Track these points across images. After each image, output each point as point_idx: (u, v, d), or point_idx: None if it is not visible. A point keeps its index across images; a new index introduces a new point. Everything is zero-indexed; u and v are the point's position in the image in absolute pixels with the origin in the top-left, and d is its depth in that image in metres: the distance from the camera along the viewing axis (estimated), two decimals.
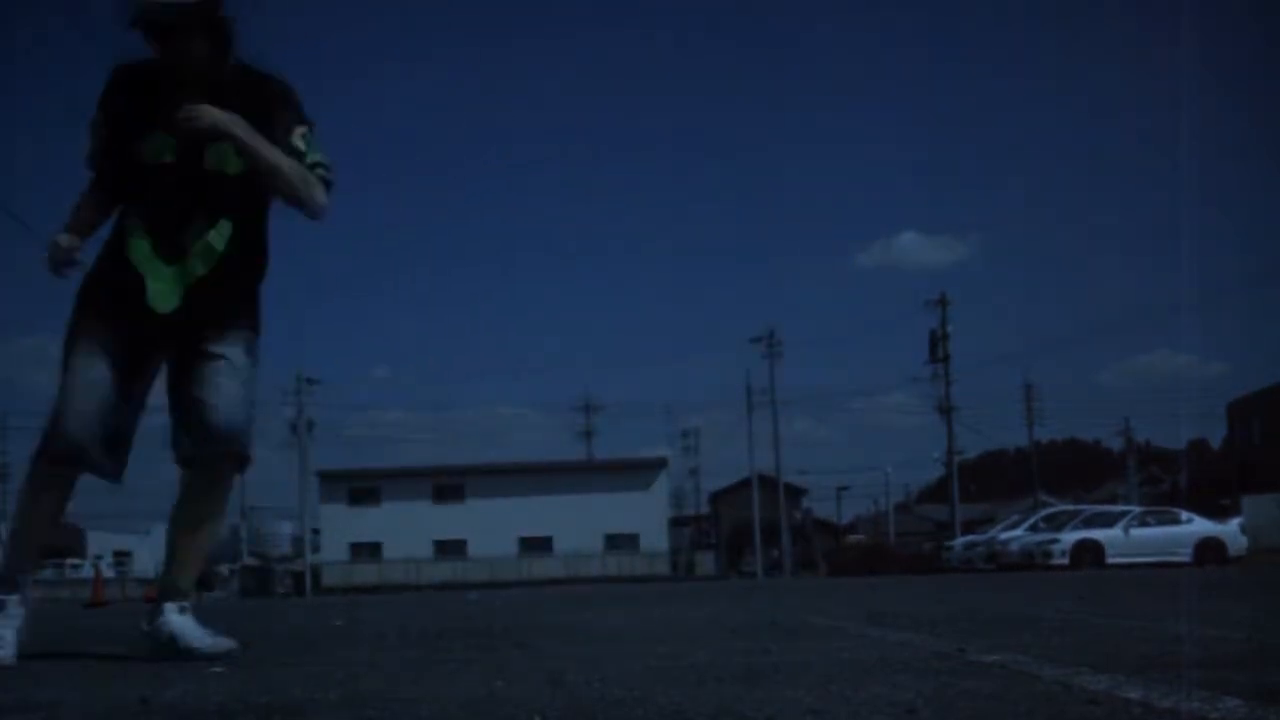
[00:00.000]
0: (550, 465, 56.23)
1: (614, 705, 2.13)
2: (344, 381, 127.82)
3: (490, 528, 52.23)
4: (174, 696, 2.41)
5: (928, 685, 2.30)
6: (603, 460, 59.57)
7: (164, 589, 3.55)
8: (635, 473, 54.35)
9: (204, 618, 3.61)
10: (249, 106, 3.32)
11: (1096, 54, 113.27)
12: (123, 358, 3.34)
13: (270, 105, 3.37)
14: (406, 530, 52.27)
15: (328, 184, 3.42)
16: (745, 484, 51.77)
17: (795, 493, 55.56)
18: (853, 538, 59.74)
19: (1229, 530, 24.79)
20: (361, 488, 54.83)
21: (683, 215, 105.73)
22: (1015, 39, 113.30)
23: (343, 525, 53.73)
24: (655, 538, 53.70)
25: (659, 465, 56.81)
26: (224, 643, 3.44)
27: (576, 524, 51.79)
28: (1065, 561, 23.23)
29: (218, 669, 3.01)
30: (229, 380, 3.37)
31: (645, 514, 53.09)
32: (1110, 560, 22.94)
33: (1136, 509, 27.92)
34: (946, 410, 47.63)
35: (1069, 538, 24.16)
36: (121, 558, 59.10)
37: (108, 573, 40.23)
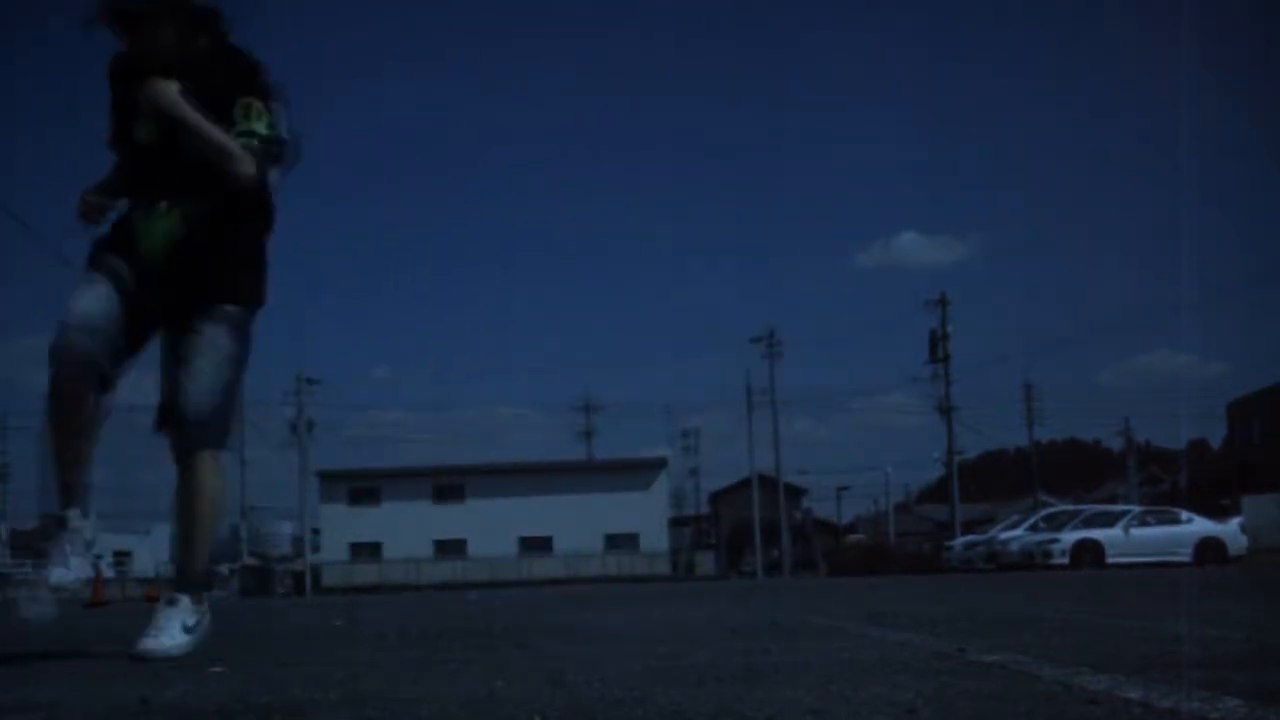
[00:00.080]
0: (550, 465, 56.23)
1: (614, 705, 2.13)
2: (344, 381, 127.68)
3: (490, 528, 52.22)
4: (174, 696, 2.41)
5: (928, 685, 2.30)
6: (603, 460, 59.57)
7: (176, 576, 3.63)
8: (635, 473, 54.35)
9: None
10: (219, 88, 3.38)
11: (1096, 54, 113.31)
12: (125, 288, 3.41)
13: (234, 84, 3.42)
14: (406, 530, 52.27)
15: (269, 154, 3.42)
16: (745, 484, 51.77)
17: (795, 493, 55.56)
18: (853, 538, 59.74)
19: (1229, 530, 24.79)
20: (361, 488, 54.83)
21: (683, 215, 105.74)
22: (1015, 39, 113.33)
23: (343, 525, 53.72)
24: (655, 538, 53.70)
25: (659, 465, 56.82)
26: (169, 646, 3.39)
27: (576, 524, 51.79)
28: (1065, 561, 23.24)
29: (217, 669, 3.01)
30: (207, 363, 3.43)
31: (645, 514, 53.09)
32: (1110, 560, 22.94)
33: (1136, 509, 27.91)
34: (946, 410, 47.66)
35: (1069, 538, 24.17)
36: (121, 558, 59.03)
37: (108, 573, 40.19)
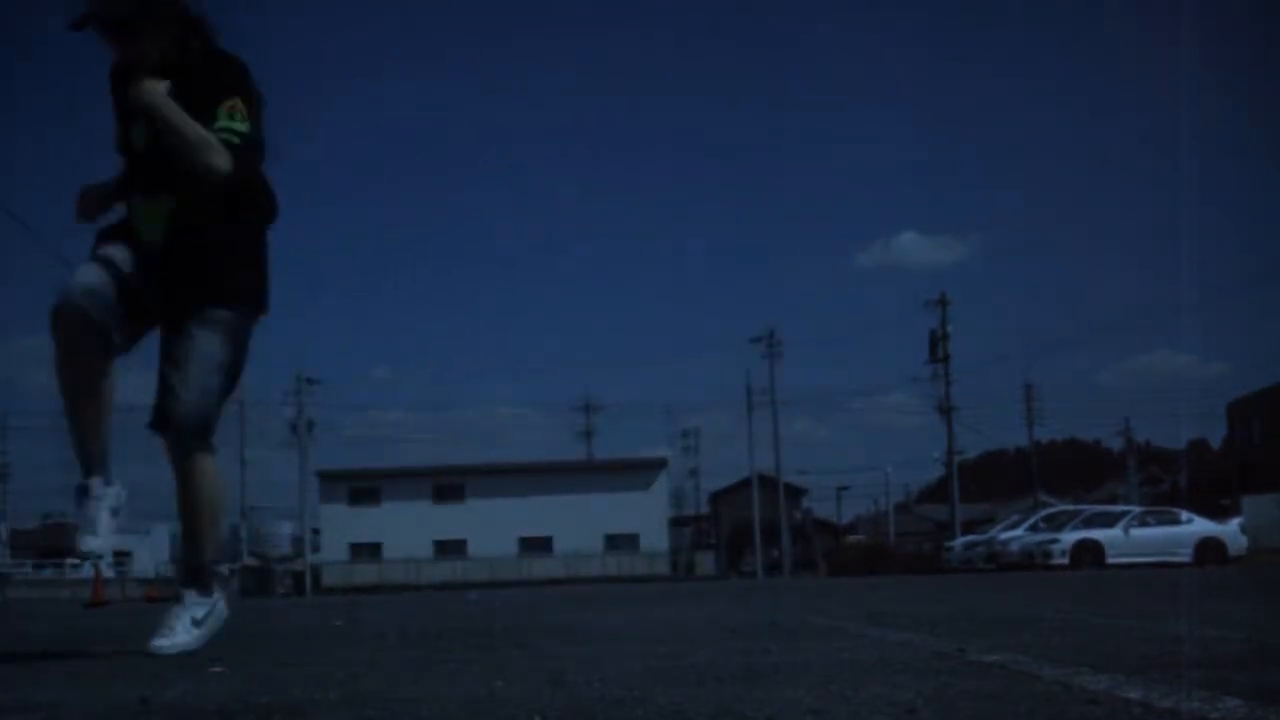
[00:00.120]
0: (550, 465, 56.24)
1: (614, 705, 2.13)
2: (344, 381, 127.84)
3: (490, 528, 52.23)
4: (174, 696, 2.41)
5: (928, 685, 2.30)
6: (603, 460, 59.57)
7: (183, 572, 3.74)
8: (635, 473, 54.36)
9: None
10: (206, 90, 3.42)
11: (1096, 54, 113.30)
12: (125, 267, 3.45)
13: (220, 86, 3.45)
14: (406, 530, 52.28)
15: (246, 152, 3.42)
16: (745, 484, 51.78)
17: (795, 493, 55.57)
18: (853, 538, 59.79)
19: (1229, 530, 24.80)
20: (361, 488, 54.85)
21: (683, 215, 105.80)
22: (1015, 39, 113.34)
23: (343, 525, 53.73)
24: (655, 538, 53.72)
25: (659, 465, 56.83)
26: (182, 643, 3.48)
27: (576, 524, 51.80)
28: (1065, 561, 23.24)
29: (217, 669, 3.01)
30: (197, 367, 3.48)
31: (645, 514, 53.10)
32: (1110, 560, 22.94)
33: (1136, 509, 27.92)
34: (946, 410, 47.66)
35: (1069, 538, 24.17)
36: (121, 558, 59.02)
37: (108, 573, 40.18)
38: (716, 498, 62.53)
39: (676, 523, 60.29)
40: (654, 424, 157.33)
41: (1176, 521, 25.04)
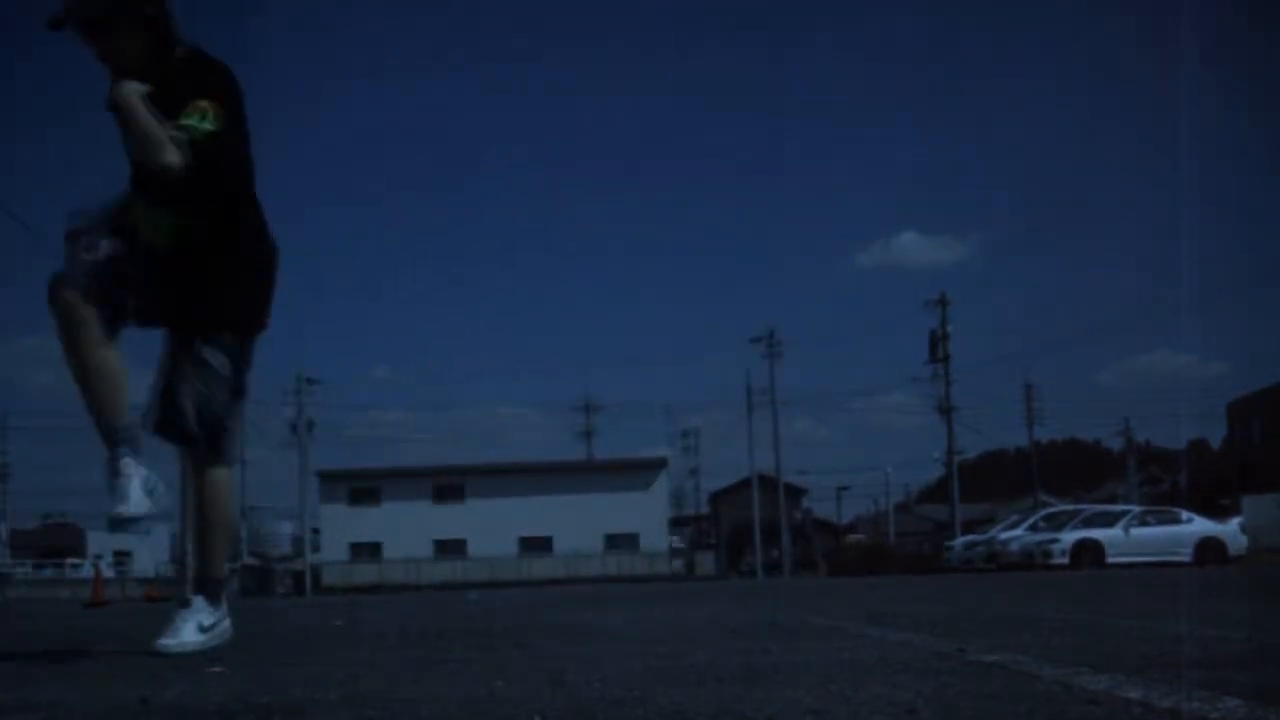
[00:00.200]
0: (550, 465, 56.23)
1: (614, 705, 2.13)
2: (344, 381, 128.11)
3: (490, 528, 52.22)
4: (174, 696, 2.41)
5: (928, 685, 2.30)
6: (603, 460, 59.57)
7: (194, 579, 3.83)
8: (635, 473, 54.34)
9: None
10: (186, 93, 3.43)
11: (1096, 54, 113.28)
12: (122, 253, 3.49)
13: (195, 88, 3.46)
14: (406, 530, 52.26)
15: (191, 146, 3.39)
16: (745, 484, 51.77)
17: (795, 493, 55.56)
18: (853, 538, 59.78)
19: (1229, 530, 24.79)
20: (361, 488, 54.82)
21: (683, 215, 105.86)
22: (1015, 39, 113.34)
23: (343, 525, 53.71)
24: (655, 538, 53.70)
25: (659, 465, 56.81)
26: (186, 644, 3.53)
27: (576, 524, 51.78)
28: (1065, 561, 23.24)
29: (217, 669, 3.01)
30: (208, 387, 3.58)
31: (645, 514, 53.07)
32: (1110, 560, 22.94)
33: (1136, 509, 27.91)
34: (946, 410, 47.67)
35: (1069, 537, 24.17)
36: (121, 558, 59.06)
37: (108, 573, 40.23)
38: (716, 498, 62.52)
39: (676, 523, 60.29)
40: (654, 424, 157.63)
41: (1176, 521, 25.04)
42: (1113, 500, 43.20)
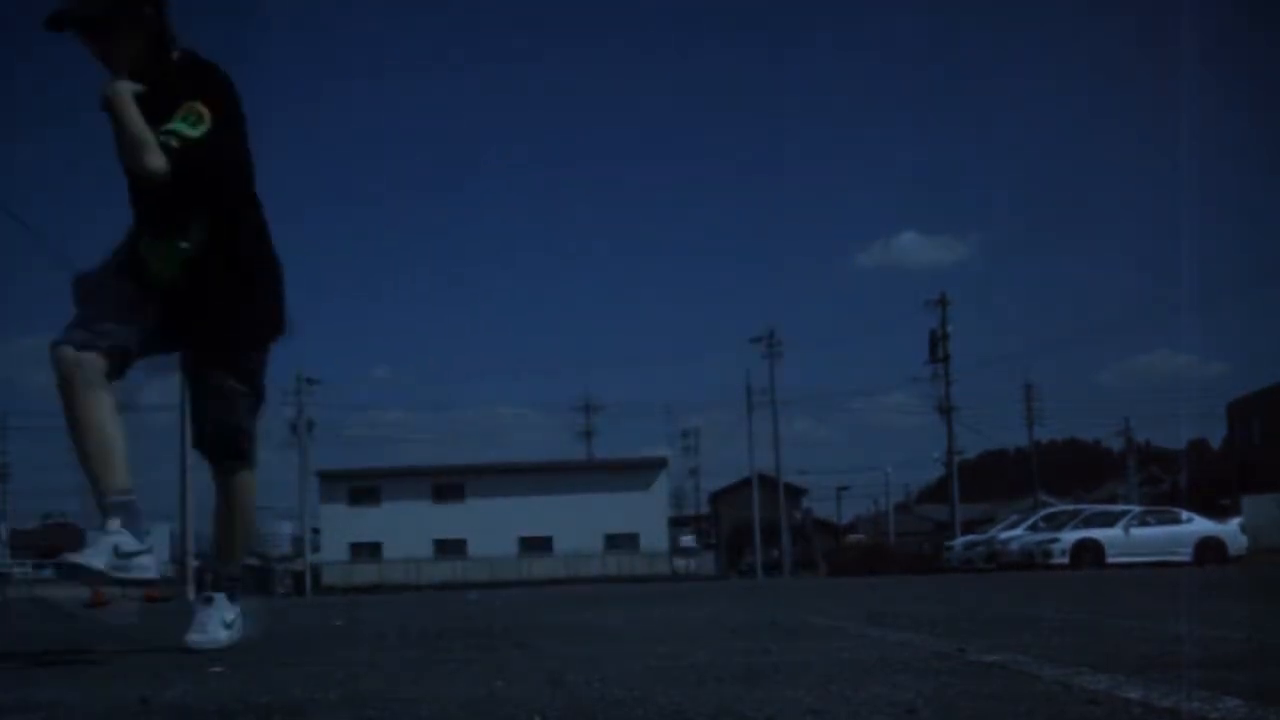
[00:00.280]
0: (550, 465, 56.23)
1: (614, 705, 2.13)
2: (344, 381, 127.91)
3: (490, 528, 52.22)
4: (174, 696, 2.41)
5: (928, 685, 2.30)
6: (603, 460, 59.57)
7: (212, 578, 3.93)
8: (635, 473, 54.34)
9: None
10: (181, 97, 3.43)
11: (1096, 54, 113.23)
12: (138, 307, 3.52)
13: (191, 93, 3.46)
14: (406, 530, 52.26)
15: (176, 151, 3.38)
16: (745, 484, 51.78)
17: (795, 493, 55.58)
18: (853, 538, 59.79)
19: (1229, 530, 24.79)
20: (361, 488, 54.83)
21: (683, 215, 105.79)
22: (1015, 39, 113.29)
23: (343, 525, 53.72)
24: (655, 538, 53.71)
25: (659, 465, 56.82)
26: (218, 640, 3.65)
27: (576, 524, 51.78)
28: (1065, 561, 23.25)
29: (217, 669, 3.01)
30: (228, 399, 3.69)
31: (645, 514, 53.08)
32: (1110, 560, 22.95)
33: (1136, 509, 27.92)
34: (946, 410, 47.67)
35: (1069, 537, 24.17)
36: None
37: None
38: (716, 498, 62.55)
39: (676, 523, 60.29)
40: (654, 424, 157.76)
41: (1176, 521, 25.04)
42: (1113, 500, 43.21)
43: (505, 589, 23.23)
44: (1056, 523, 26.44)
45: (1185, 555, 22.85)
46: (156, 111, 3.38)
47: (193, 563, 31.01)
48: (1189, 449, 61.33)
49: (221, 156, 3.50)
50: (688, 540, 58.87)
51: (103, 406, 3.38)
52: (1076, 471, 73.91)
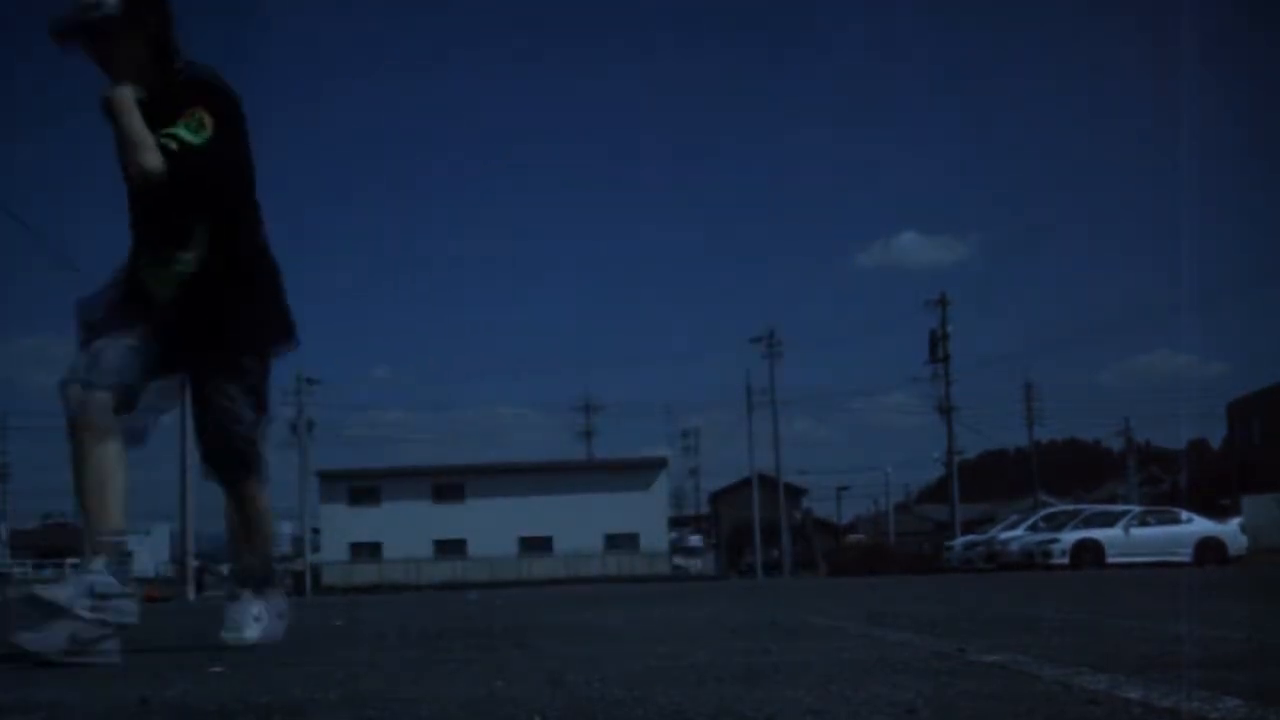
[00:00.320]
0: (550, 465, 56.21)
1: (614, 705, 2.13)
2: (344, 381, 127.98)
3: (490, 528, 52.21)
4: (174, 696, 2.41)
5: (928, 685, 2.30)
6: (603, 460, 59.56)
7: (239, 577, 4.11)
8: (635, 473, 54.32)
9: (202, 617, 3.63)
10: (187, 105, 3.45)
11: (1096, 54, 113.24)
12: (142, 330, 3.55)
13: (194, 102, 3.48)
14: (406, 530, 52.25)
15: (174, 155, 3.39)
16: (745, 484, 51.77)
17: (795, 493, 55.55)
18: (853, 538, 59.78)
19: (1229, 530, 24.80)
20: (361, 488, 54.81)
21: (683, 216, 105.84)
22: (1015, 39, 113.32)
23: (343, 525, 53.71)
24: (655, 538, 53.70)
25: (659, 465, 56.80)
26: (247, 637, 3.85)
27: (576, 524, 51.77)
28: (1065, 561, 23.25)
29: (218, 669, 3.01)
30: (233, 410, 3.72)
31: (645, 514, 53.06)
32: (1110, 560, 22.95)
33: (1136, 509, 27.91)
34: (946, 410, 47.66)
35: (1069, 538, 24.17)
36: (121, 558, 58.91)
37: None
38: (716, 498, 62.51)
39: (676, 522, 60.30)
40: (654, 424, 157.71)
41: (1176, 521, 25.05)
42: (1113, 500, 43.20)
43: (505, 589, 23.23)
44: (1056, 523, 26.44)
45: (1185, 555, 22.85)
46: (158, 119, 3.38)
47: (193, 563, 31.03)
48: (1189, 449, 61.42)
49: (223, 165, 3.51)
50: (696, 540, 58.82)
51: (107, 448, 3.40)
52: (1076, 471, 73.92)
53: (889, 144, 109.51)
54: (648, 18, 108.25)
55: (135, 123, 3.35)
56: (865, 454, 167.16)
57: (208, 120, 3.41)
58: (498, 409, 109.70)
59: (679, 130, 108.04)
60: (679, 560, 54.73)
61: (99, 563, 3.31)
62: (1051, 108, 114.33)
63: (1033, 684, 2.31)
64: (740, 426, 52.95)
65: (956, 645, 3.21)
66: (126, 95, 3.37)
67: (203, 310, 3.60)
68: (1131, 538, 23.80)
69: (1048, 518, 27.95)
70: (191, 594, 29.19)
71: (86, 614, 3.20)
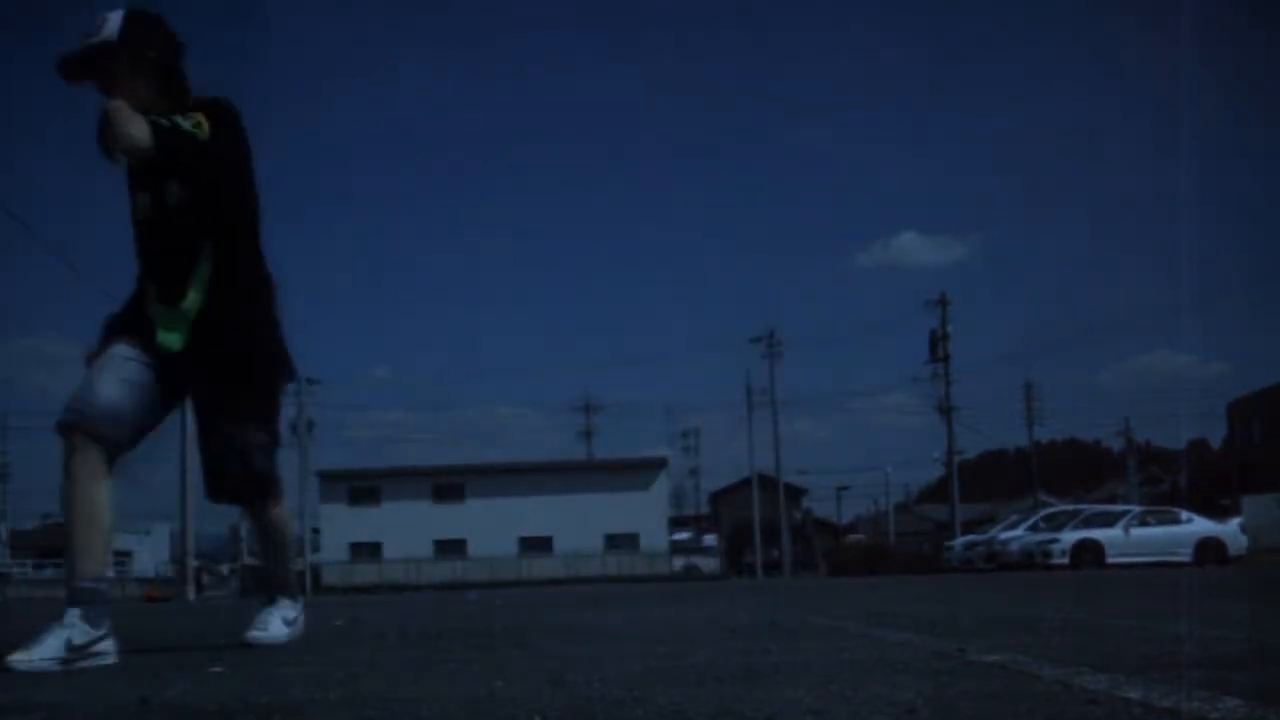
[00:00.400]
0: (550, 465, 56.21)
1: (614, 705, 2.13)
2: (344, 381, 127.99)
3: (490, 528, 52.20)
4: (174, 696, 2.41)
5: (928, 685, 2.30)
6: (603, 460, 59.56)
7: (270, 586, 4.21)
8: (635, 473, 54.31)
9: (202, 617, 3.63)
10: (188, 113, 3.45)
11: (1097, 54, 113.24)
12: (145, 368, 3.53)
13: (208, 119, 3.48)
14: (406, 530, 52.24)
15: (164, 130, 3.34)
16: (745, 484, 51.77)
17: (795, 493, 55.55)
18: (853, 538, 59.78)
19: (1229, 530, 24.81)
20: (361, 488, 54.80)
21: (683, 215, 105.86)
22: (1015, 39, 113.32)
23: (343, 525, 53.70)
24: (655, 538, 53.70)
25: (659, 465, 56.79)
26: (275, 638, 3.94)
27: (576, 524, 51.77)
28: (1065, 561, 23.26)
29: (218, 669, 3.01)
30: (246, 443, 3.70)
31: (645, 514, 53.05)
32: (1110, 560, 22.96)
33: (1136, 509, 27.92)
34: (946, 410, 47.66)
35: (1069, 538, 24.18)
36: (122, 558, 59.03)
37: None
38: (716, 498, 62.55)
39: (676, 523, 60.29)
40: (654, 424, 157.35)
41: (1176, 521, 25.05)
42: (1113, 500, 43.22)
43: (505, 589, 23.23)
44: (1056, 523, 26.44)
45: (1185, 555, 22.87)
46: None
47: (193, 563, 31.03)
48: (1189, 449, 61.42)
49: (221, 164, 3.49)
50: (709, 539, 58.71)
51: (98, 494, 3.37)
52: (1076, 471, 73.94)
53: (889, 144, 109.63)
54: (648, 18, 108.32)
55: (125, 111, 3.30)
56: (865, 454, 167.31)
57: (207, 125, 3.40)
58: (498, 409, 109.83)
59: (679, 130, 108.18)
60: (695, 560, 54.67)
61: (74, 615, 3.28)
62: (1051, 108, 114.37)
63: (1033, 684, 2.31)
64: (740, 426, 53.02)
65: (956, 645, 3.21)
66: (125, 106, 3.33)
67: (213, 342, 3.58)
68: (1131, 538, 23.81)
69: (1048, 518, 27.96)
70: (191, 594, 29.20)
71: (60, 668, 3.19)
